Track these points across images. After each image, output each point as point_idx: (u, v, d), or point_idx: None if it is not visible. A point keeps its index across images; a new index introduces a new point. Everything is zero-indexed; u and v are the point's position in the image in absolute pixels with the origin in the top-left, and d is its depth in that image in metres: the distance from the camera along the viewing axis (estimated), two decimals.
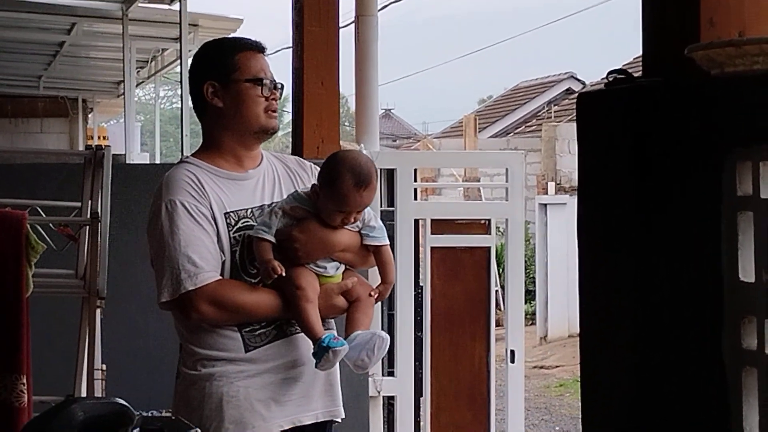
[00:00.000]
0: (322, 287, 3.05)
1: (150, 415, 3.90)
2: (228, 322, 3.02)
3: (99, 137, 18.04)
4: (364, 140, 5.16)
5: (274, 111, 3.18)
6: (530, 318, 14.79)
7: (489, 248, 5.77)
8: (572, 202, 13.69)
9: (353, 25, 5.31)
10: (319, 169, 3.18)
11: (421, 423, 5.55)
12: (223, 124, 3.17)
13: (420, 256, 5.58)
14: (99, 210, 3.83)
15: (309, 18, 5.07)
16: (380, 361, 5.12)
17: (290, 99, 5.26)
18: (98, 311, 3.83)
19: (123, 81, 12.88)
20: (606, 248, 1.93)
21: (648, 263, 1.81)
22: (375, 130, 5.26)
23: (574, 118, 2.02)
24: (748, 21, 1.88)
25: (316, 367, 3.01)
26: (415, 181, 5.44)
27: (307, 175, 3.27)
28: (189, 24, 9.89)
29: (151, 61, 14.06)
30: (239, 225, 3.07)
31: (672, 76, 1.88)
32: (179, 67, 10.20)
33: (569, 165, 17.30)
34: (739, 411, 1.63)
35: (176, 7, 9.62)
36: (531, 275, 15.09)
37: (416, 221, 5.45)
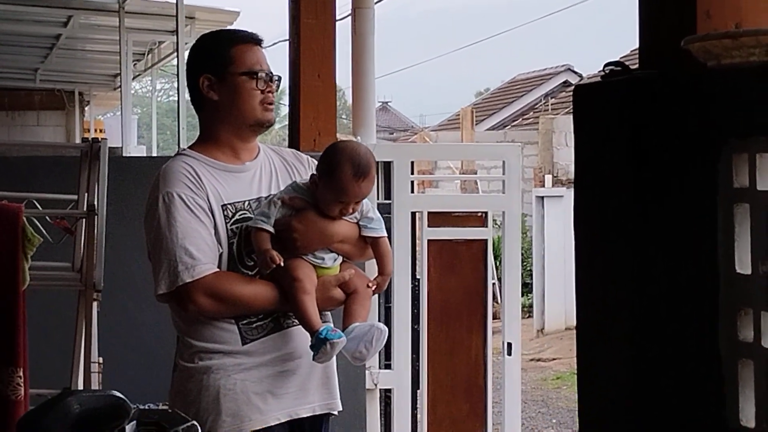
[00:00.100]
0: (319, 279, 3.05)
1: (146, 407, 3.89)
2: (225, 314, 3.02)
3: (95, 130, 18.02)
4: (361, 133, 5.15)
5: (271, 104, 3.17)
6: (527, 311, 14.81)
7: (486, 241, 5.76)
8: (569, 194, 13.67)
9: (350, 17, 5.30)
10: (316, 162, 3.18)
11: (418, 416, 5.56)
12: (219, 117, 3.16)
13: (417, 248, 5.58)
14: (95, 203, 3.83)
15: (306, 10, 5.06)
16: (377, 354, 5.12)
17: (287, 92, 5.25)
18: (95, 304, 3.84)
19: (120, 74, 12.86)
20: (602, 240, 1.93)
21: (645, 255, 1.81)
22: (372, 122, 5.25)
23: (571, 110, 2.02)
24: (745, 13, 1.87)
25: (313, 359, 3.00)
26: (412, 173, 5.43)
27: (304, 167, 3.27)
28: (186, 16, 9.89)
29: (148, 54, 14.06)
30: (236, 217, 3.07)
31: (668, 68, 1.87)
32: (176, 59, 10.20)
33: (566, 157, 17.31)
34: (736, 403, 1.63)
35: None
36: (528, 268, 15.12)
37: (413, 214, 5.45)
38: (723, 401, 1.65)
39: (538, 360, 13.40)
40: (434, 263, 5.62)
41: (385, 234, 3.19)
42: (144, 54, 14.07)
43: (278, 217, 3.03)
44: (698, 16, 1.86)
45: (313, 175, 3.11)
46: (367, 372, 5.11)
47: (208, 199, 3.04)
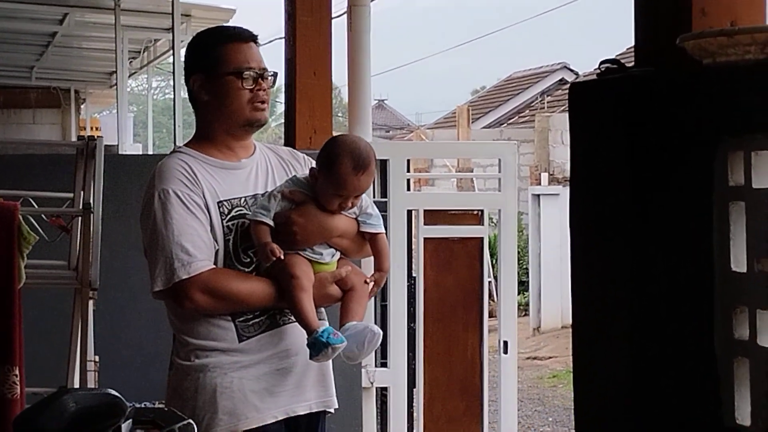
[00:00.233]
0: (316, 276, 3.05)
1: (143, 406, 3.89)
2: (221, 310, 3.02)
3: (91, 128, 18.00)
4: (357, 131, 5.14)
5: (262, 102, 3.13)
6: (523, 309, 14.80)
7: (482, 239, 5.76)
8: (565, 192, 13.68)
9: (346, 15, 5.29)
10: (312, 160, 3.18)
11: (414, 414, 5.56)
12: (211, 117, 3.16)
13: (413, 246, 5.58)
14: (91, 201, 3.83)
15: (301, 8, 5.06)
16: (374, 352, 5.13)
17: (283, 89, 5.25)
18: (91, 302, 3.83)
19: (115, 71, 12.85)
20: (598, 238, 1.93)
21: (640, 253, 1.81)
22: (368, 120, 5.25)
23: (568, 108, 2.02)
24: (740, 10, 1.88)
25: (310, 358, 3.01)
26: (408, 171, 5.44)
27: (300, 165, 3.27)
28: (181, 14, 9.86)
29: (144, 52, 14.03)
30: (232, 214, 3.07)
31: (664, 66, 1.88)
32: (172, 57, 10.18)
33: (562, 155, 17.30)
34: (731, 401, 1.64)
35: None
36: (524, 266, 15.11)
37: (409, 212, 5.45)
38: (719, 400, 1.65)
39: (535, 358, 13.40)
40: (430, 261, 5.62)
41: (383, 230, 3.19)
42: (140, 52, 14.04)
43: (278, 210, 3.03)
44: (694, 13, 1.86)
45: (312, 168, 3.11)
46: (363, 370, 5.12)
47: (204, 196, 3.04)
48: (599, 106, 1.92)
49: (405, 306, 5.36)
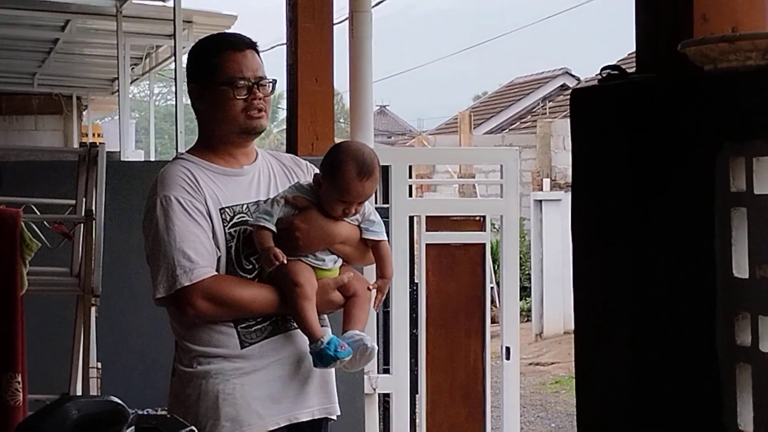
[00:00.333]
0: (318, 282, 3.05)
1: (145, 413, 3.89)
2: (224, 317, 3.02)
3: (93, 134, 18.01)
4: (359, 137, 5.14)
5: (259, 110, 3.11)
6: (526, 315, 14.79)
7: (484, 245, 5.77)
8: (567, 198, 13.66)
9: (347, 21, 5.30)
10: (315, 168, 3.19)
11: (417, 420, 5.56)
12: (210, 125, 3.17)
13: (415, 252, 5.58)
14: (93, 208, 3.83)
15: (303, 14, 5.06)
16: (376, 359, 5.13)
17: (285, 95, 5.26)
18: (93, 309, 3.84)
19: (117, 78, 12.85)
20: (600, 244, 1.93)
21: (642, 259, 1.81)
22: (370, 126, 5.25)
23: (569, 114, 2.03)
24: (741, 16, 1.88)
25: (314, 366, 3.02)
26: (410, 177, 5.44)
27: (303, 172, 3.27)
28: (183, 21, 9.87)
29: (146, 58, 14.05)
30: (234, 220, 3.07)
31: (665, 72, 1.88)
32: (173, 63, 10.19)
33: (564, 161, 17.30)
34: (734, 407, 1.63)
35: (170, 3, 9.60)
36: (526, 272, 15.10)
37: (411, 218, 5.45)
38: (721, 405, 1.65)
39: (537, 364, 13.39)
40: (432, 267, 5.62)
41: (386, 238, 3.19)
42: (142, 58, 14.05)
43: (281, 216, 3.03)
44: (695, 20, 1.86)
45: (316, 174, 3.12)
46: (365, 376, 5.11)
47: (206, 203, 3.04)
48: (601, 111, 1.92)
49: (407, 312, 5.36)
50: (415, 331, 5.44)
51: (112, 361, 4.50)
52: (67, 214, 3.98)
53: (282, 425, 3.07)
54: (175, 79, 9.97)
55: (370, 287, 3.14)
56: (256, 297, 3.03)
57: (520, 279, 6.03)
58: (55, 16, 11.11)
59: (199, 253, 2.98)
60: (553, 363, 13.32)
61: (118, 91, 13.40)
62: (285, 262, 2.97)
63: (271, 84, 3.16)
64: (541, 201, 15.32)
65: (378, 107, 41.69)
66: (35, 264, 3.63)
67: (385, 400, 5.48)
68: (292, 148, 5.06)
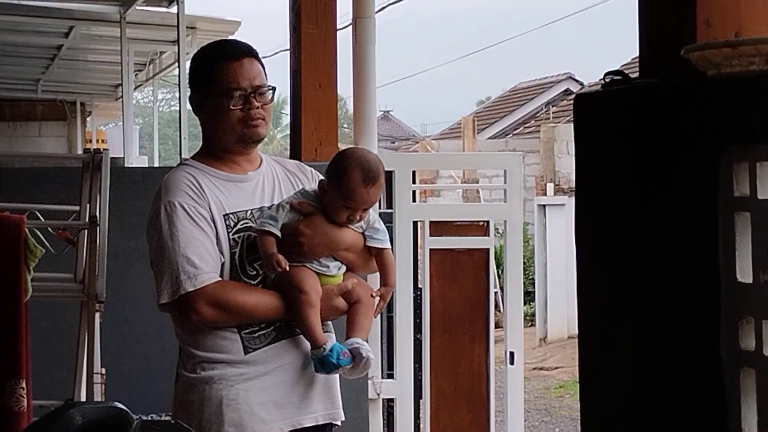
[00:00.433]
0: (322, 288, 3.06)
1: (149, 419, 3.89)
2: (227, 323, 3.02)
3: (97, 141, 18.03)
4: (363, 142, 5.15)
5: (257, 118, 3.10)
6: (529, 319, 14.79)
7: (488, 250, 5.76)
8: (571, 203, 13.68)
9: (351, 27, 5.30)
10: (320, 174, 3.19)
11: (421, 425, 5.55)
12: (211, 133, 3.18)
13: (419, 258, 5.58)
14: (97, 214, 3.83)
15: (306, 20, 5.07)
16: (379, 364, 5.13)
17: (288, 101, 5.26)
18: (97, 315, 3.84)
19: (121, 84, 12.86)
20: (604, 249, 1.93)
21: (646, 263, 1.81)
22: (373, 131, 5.25)
23: (573, 119, 2.03)
24: (745, 21, 1.88)
25: (315, 371, 3.03)
26: (414, 182, 5.44)
27: (307, 179, 3.27)
28: (187, 26, 9.89)
29: (149, 64, 14.06)
30: (238, 226, 3.07)
31: (669, 77, 1.88)
32: (177, 69, 10.20)
33: (568, 166, 17.31)
34: (738, 412, 1.63)
35: (174, 9, 9.61)
36: (530, 276, 15.10)
37: (415, 223, 5.45)
38: (725, 410, 1.65)
39: (541, 369, 13.38)
40: (436, 272, 5.62)
41: (390, 246, 3.20)
42: (145, 64, 14.07)
43: (286, 221, 3.03)
44: (698, 25, 1.86)
45: (321, 180, 3.12)
46: (369, 382, 5.11)
47: (210, 209, 3.05)
48: (604, 116, 1.92)
49: (411, 317, 5.36)
50: (419, 336, 5.44)
51: (116, 367, 4.50)
52: (71, 221, 3.98)
53: (286, 431, 3.07)
54: (179, 84, 9.98)
55: (374, 294, 3.14)
56: (260, 303, 3.03)
57: (524, 284, 6.03)
58: (58, 23, 11.13)
59: (203, 259, 2.99)
60: (557, 367, 13.31)
61: (121, 97, 13.41)
62: (287, 269, 2.97)
63: (270, 91, 3.15)
64: (544, 206, 15.32)
65: (381, 112, 41.72)
66: (39, 270, 3.63)
67: (389, 406, 5.47)
68: (295, 153, 5.06)
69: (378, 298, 3.16)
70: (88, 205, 3.92)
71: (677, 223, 1.75)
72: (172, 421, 2.68)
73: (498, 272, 8.92)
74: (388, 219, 5.12)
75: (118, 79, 13.42)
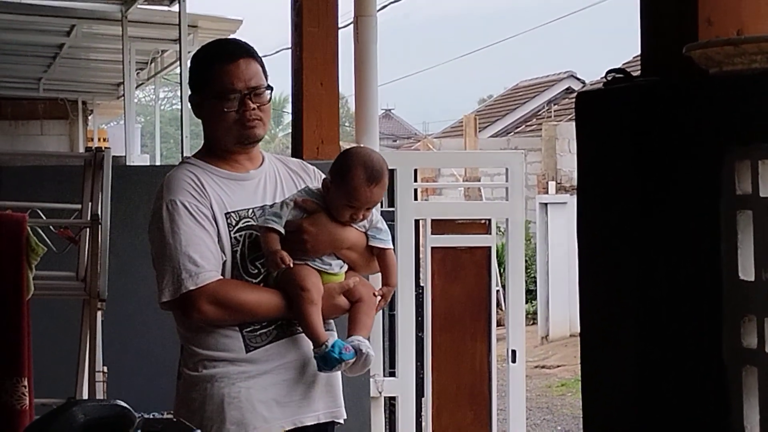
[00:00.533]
0: (324, 286, 3.06)
1: (151, 417, 3.89)
2: (229, 321, 3.03)
3: (99, 139, 18.03)
4: (364, 140, 5.15)
5: (255, 119, 3.09)
6: (531, 317, 14.78)
7: (490, 248, 5.77)
8: (573, 201, 13.67)
9: (352, 25, 5.30)
10: (322, 173, 3.20)
11: (423, 423, 5.55)
12: (210, 134, 3.18)
13: (420, 256, 5.59)
14: (99, 212, 3.83)
15: (308, 19, 5.07)
16: (381, 362, 5.13)
17: (290, 100, 5.26)
18: (99, 313, 3.83)
19: (123, 82, 12.88)
20: (606, 247, 1.93)
21: (648, 262, 1.81)
22: (375, 130, 5.25)
23: (574, 117, 2.03)
24: (746, 19, 1.88)
25: (319, 370, 3.02)
26: (416, 181, 5.44)
27: (310, 178, 3.27)
28: (188, 25, 9.89)
29: (151, 63, 14.06)
30: (240, 225, 3.07)
31: (670, 75, 1.88)
32: (179, 68, 10.20)
33: (570, 164, 17.29)
34: (740, 410, 1.63)
35: (175, 8, 9.62)
36: (532, 275, 15.09)
37: (417, 221, 5.45)
38: (728, 408, 1.65)
39: (543, 367, 13.38)
40: (438, 271, 5.63)
41: (392, 246, 3.20)
42: (147, 63, 14.07)
43: (290, 218, 3.04)
44: (700, 23, 1.86)
45: (325, 179, 3.13)
46: (371, 380, 5.11)
47: (212, 207, 3.05)
48: (606, 115, 1.92)
49: (413, 315, 5.36)
50: (420, 334, 5.44)
51: (119, 365, 4.49)
52: (72, 219, 3.98)
53: (287, 429, 3.07)
54: (180, 83, 9.99)
55: (376, 293, 3.15)
56: (262, 301, 3.03)
57: (526, 282, 6.03)
58: (60, 21, 11.13)
59: (205, 257, 2.99)
60: (559, 366, 13.31)
61: (123, 95, 13.43)
62: (291, 266, 2.98)
63: (267, 92, 3.14)
64: (546, 204, 15.32)
65: (383, 111, 41.71)
66: (41, 268, 3.63)
67: (390, 404, 5.47)
68: (297, 152, 5.07)
69: (379, 297, 3.16)
70: (89, 204, 3.91)
71: (679, 222, 1.75)
72: (174, 419, 2.68)
73: (500, 270, 8.93)
74: (389, 217, 5.13)
75: (119, 77, 13.43)
